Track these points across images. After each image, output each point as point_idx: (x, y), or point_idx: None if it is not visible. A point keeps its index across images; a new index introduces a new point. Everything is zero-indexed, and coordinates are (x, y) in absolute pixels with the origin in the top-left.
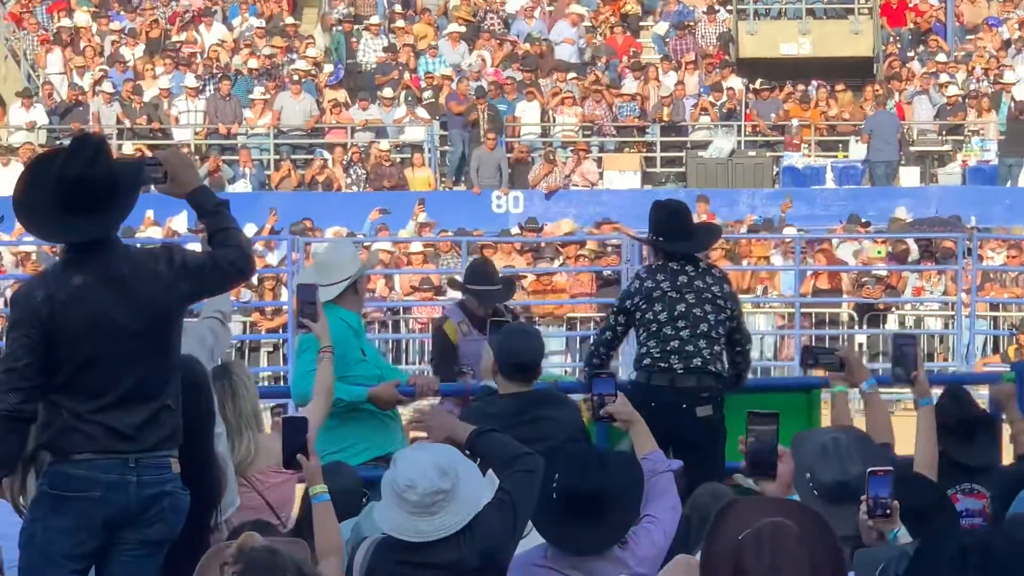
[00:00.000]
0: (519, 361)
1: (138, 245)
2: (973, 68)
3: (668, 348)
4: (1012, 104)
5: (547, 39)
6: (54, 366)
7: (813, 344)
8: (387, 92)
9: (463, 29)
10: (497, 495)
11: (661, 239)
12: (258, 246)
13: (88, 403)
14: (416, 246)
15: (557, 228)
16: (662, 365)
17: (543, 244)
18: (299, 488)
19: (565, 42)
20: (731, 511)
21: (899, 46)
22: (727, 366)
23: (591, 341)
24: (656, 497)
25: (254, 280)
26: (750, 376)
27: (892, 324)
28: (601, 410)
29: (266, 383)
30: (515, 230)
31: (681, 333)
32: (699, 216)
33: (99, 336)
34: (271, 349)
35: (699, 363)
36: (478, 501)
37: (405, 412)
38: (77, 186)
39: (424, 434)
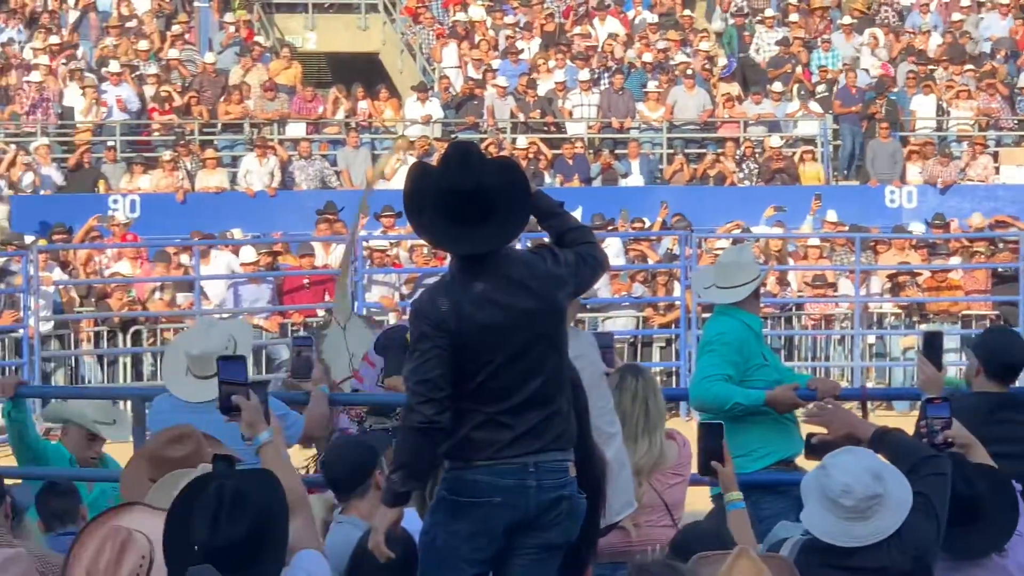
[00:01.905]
0: (1011, 361)
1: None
2: None
3: None
4: None
5: (951, 31)
6: (461, 375)
7: None
8: (777, 86)
9: (856, 22)
10: (916, 499)
11: None
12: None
13: (490, 409)
14: (813, 241)
15: (968, 222)
16: None
17: (939, 240)
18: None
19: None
20: None
21: None
22: None
23: None
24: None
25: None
26: None
27: None
28: (939, 437)
29: (658, 380)
30: (915, 226)
31: None
32: None
33: (505, 341)
34: (663, 344)
35: None
36: (907, 505)
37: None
38: (453, 197)
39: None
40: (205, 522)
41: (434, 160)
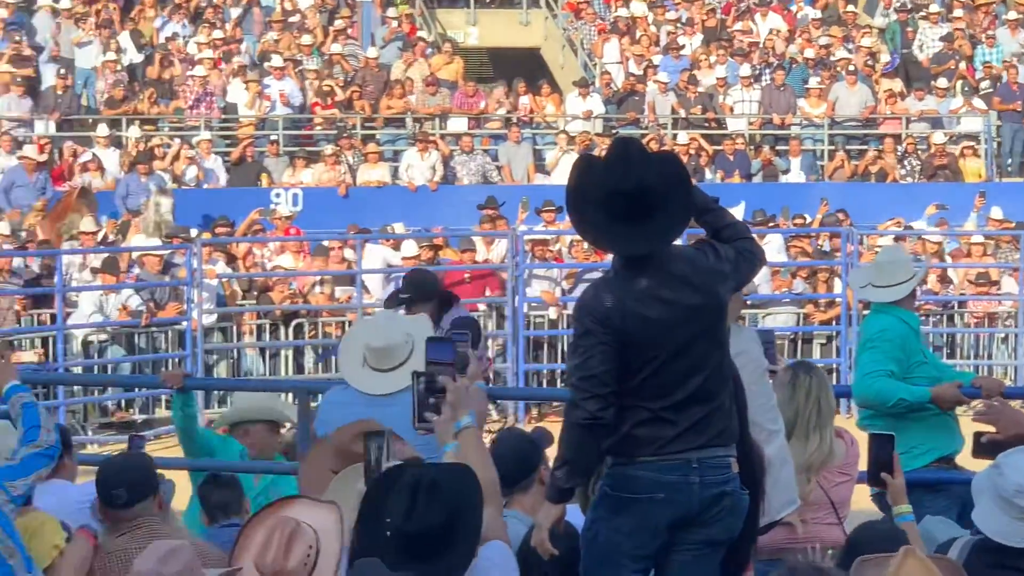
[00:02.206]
0: None
1: None
2: None
3: None
4: None
5: None
6: (625, 371)
7: None
8: (942, 82)
9: (1022, 16)
10: None
11: None
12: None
13: (653, 405)
14: (977, 238)
15: None
16: None
17: None
18: None
19: None
20: None
21: None
22: None
23: None
24: None
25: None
26: None
27: None
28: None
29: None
30: None
31: None
32: None
33: (669, 337)
34: (824, 341)
35: None
36: None
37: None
38: (615, 196)
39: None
40: (401, 508)
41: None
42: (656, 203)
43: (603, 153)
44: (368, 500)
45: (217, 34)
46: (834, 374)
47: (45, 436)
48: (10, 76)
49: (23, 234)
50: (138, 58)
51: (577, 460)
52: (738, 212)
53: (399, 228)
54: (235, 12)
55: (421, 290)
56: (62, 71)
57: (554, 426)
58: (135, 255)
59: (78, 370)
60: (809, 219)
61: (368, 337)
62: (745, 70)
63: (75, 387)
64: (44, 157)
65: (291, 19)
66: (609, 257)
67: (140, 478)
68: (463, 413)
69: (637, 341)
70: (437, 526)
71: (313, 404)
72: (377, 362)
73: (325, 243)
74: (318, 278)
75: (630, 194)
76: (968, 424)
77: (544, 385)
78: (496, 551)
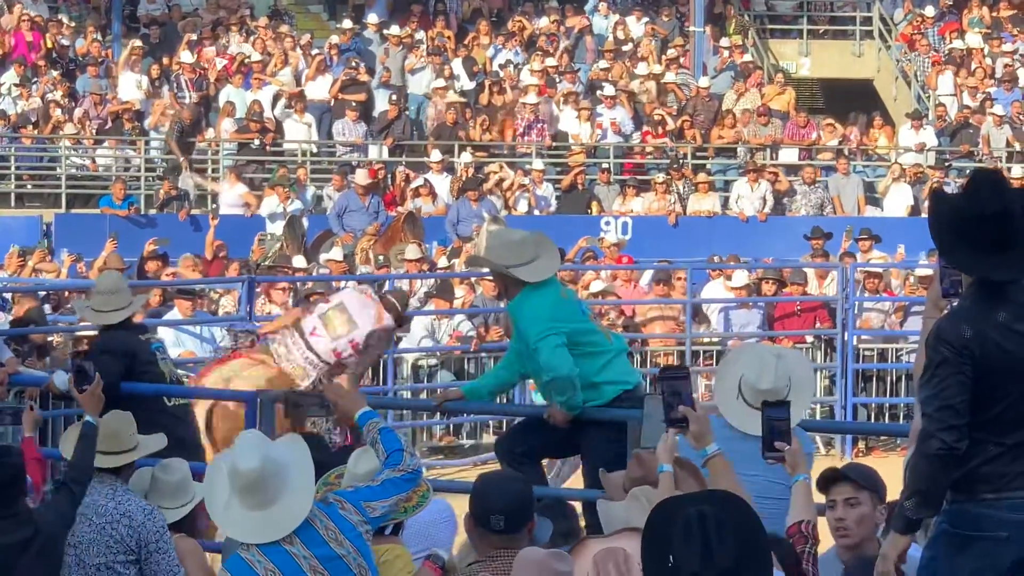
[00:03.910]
0: None
1: None
2: None
3: None
4: None
5: None
6: (976, 404)
7: None
8: None
9: None
10: None
11: None
12: None
13: (1002, 440)
14: None
15: None
16: None
17: None
18: None
19: None
20: None
21: None
22: None
23: None
24: None
25: None
26: None
27: None
28: None
29: None
30: None
31: None
32: None
33: None
34: None
35: None
36: None
37: None
38: (980, 222)
39: None
40: (695, 552)
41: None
42: (1020, 231)
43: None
44: (649, 543)
45: (550, 62)
46: None
47: (408, 460)
48: (345, 101)
49: (356, 258)
50: (470, 85)
51: (929, 491)
52: None
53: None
54: (567, 41)
55: None
56: (394, 97)
57: (879, 461)
58: (471, 280)
59: (407, 394)
60: None
61: (755, 376)
62: None
63: (404, 411)
64: (371, 181)
65: (623, 48)
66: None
67: (521, 506)
68: (708, 442)
69: (993, 374)
70: (733, 566)
71: None
72: (754, 399)
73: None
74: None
75: (993, 220)
76: None
77: (872, 419)
78: None
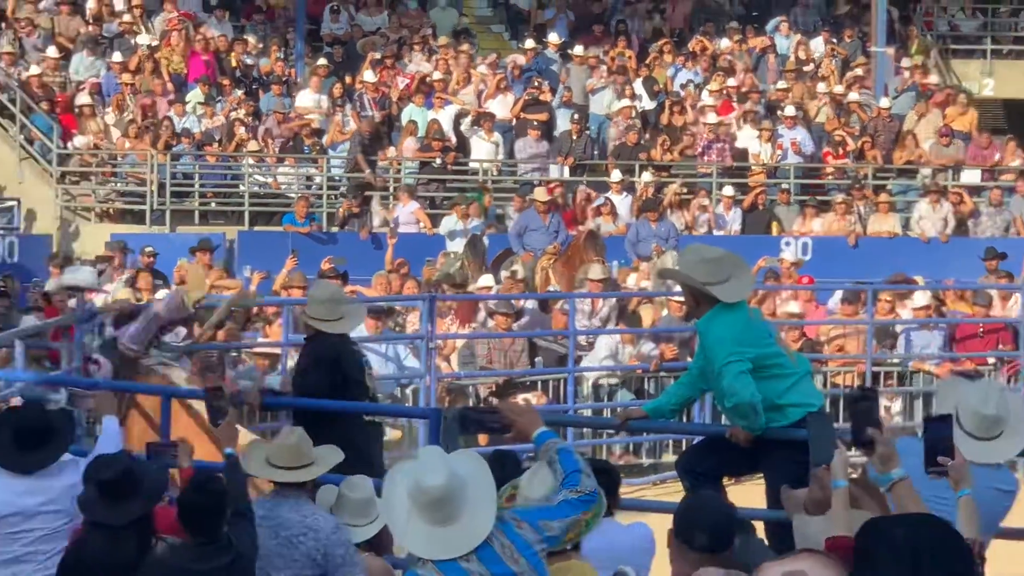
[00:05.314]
0: None
1: None
2: None
3: None
4: None
5: None
6: None
7: None
8: None
9: None
10: None
11: None
12: None
13: None
14: None
15: None
16: None
17: None
18: None
19: None
20: None
21: None
22: None
23: None
24: None
25: None
26: None
27: None
28: None
29: None
30: None
31: None
32: None
33: None
34: None
35: None
36: None
37: None
38: None
39: None
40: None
41: None
42: None
43: None
44: (859, 554)
45: (731, 82)
46: None
47: (586, 481)
48: (527, 121)
49: (536, 278)
50: (650, 105)
51: None
52: None
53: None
54: (749, 60)
55: None
56: (575, 116)
57: None
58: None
59: (587, 413)
60: None
61: (979, 402)
62: None
63: (584, 430)
64: (548, 198)
65: (804, 68)
66: None
67: (726, 526)
68: (894, 465)
69: None
70: None
71: None
72: (975, 425)
73: (843, 291)
74: (830, 327)
75: None
76: None
77: None
78: None
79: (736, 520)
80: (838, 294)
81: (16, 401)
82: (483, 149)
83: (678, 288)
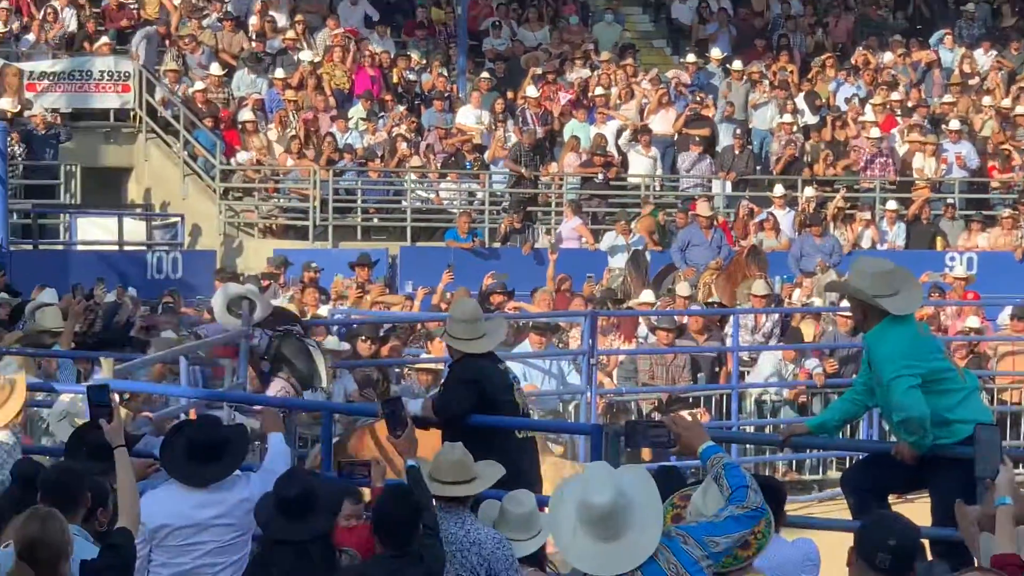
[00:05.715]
0: None
1: None
2: None
3: None
4: None
5: None
6: None
7: None
8: None
9: None
10: None
11: None
12: None
13: None
14: None
15: None
16: None
17: None
18: None
19: None
20: None
21: None
22: None
23: None
24: None
25: None
26: None
27: None
28: None
29: None
30: None
31: None
32: None
33: None
34: None
35: None
36: None
37: None
38: None
39: None
40: None
41: None
42: None
43: None
44: None
45: (894, 96)
46: None
47: (753, 496)
48: (689, 135)
49: (699, 292)
50: (813, 119)
51: None
52: None
53: None
54: (913, 74)
55: None
56: (738, 131)
57: None
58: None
59: (751, 429)
60: None
61: None
62: None
63: (748, 446)
64: (711, 212)
65: (970, 81)
66: None
67: (911, 548)
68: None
69: None
70: None
71: None
72: None
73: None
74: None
75: None
76: None
77: None
78: None
79: (920, 543)
80: (1007, 310)
81: (191, 415)
82: (641, 164)
83: (844, 303)
